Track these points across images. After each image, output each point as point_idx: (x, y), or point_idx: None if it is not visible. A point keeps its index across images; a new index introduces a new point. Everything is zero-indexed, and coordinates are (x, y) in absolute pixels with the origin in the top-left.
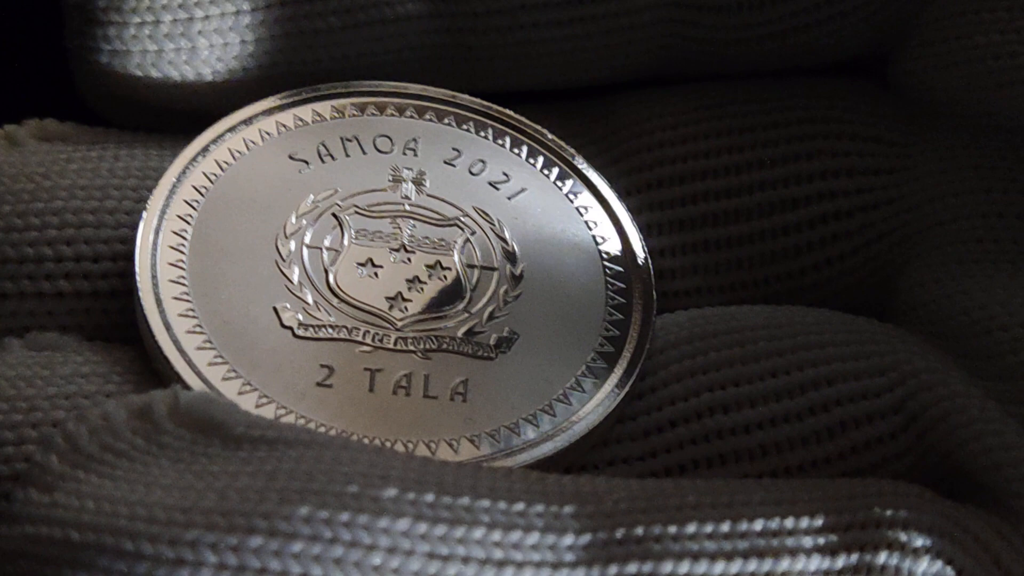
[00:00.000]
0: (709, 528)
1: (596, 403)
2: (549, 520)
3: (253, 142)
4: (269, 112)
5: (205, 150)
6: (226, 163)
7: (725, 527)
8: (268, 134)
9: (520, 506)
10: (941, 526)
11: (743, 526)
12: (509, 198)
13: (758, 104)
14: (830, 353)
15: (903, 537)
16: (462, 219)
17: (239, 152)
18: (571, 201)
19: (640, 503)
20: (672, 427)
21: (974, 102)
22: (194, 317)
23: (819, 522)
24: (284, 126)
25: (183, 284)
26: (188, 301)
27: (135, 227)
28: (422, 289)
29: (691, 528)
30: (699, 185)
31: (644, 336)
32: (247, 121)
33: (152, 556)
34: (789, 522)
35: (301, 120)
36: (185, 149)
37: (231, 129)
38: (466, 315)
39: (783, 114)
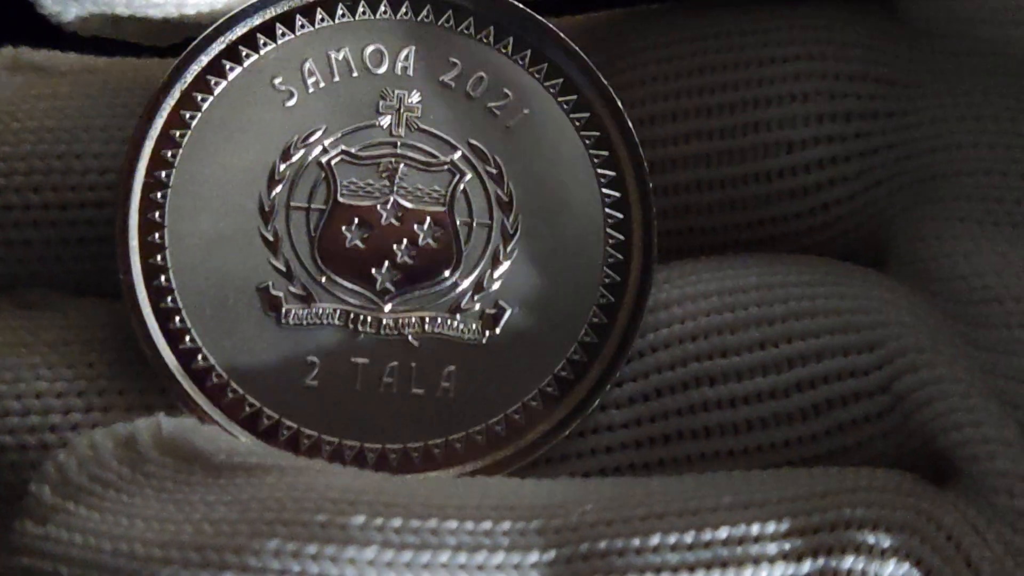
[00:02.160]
0: (673, 539)
1: (578, 397)
2: (515, 538)
3: (232, 67)
4: (248, 20)
5: (179, 83)
6: (203, 99)
7: (689, 537)
8: (248, 55)
9: (487, 525)
10: (913, 524)
11: (707, 535)
12: (508, 127)
13: (755, 36)
14: (820, 324)
15: (871, 539)
16: (456, 160)
17: (217, 83)
18: (576, 127)
19: (607, 514)
20: (658, 396)
21: (985, 38)
22: (176, 308)
23: (785, 526)
24: (265, 41)
25: (163, 266)
26: (169, 288)
27: (104, 172)
28: (412, 255)
29: (655, 540)
30: (692, 124)
31: (637, 315)
32: (224, 37)
33: None
34: (755, 528)
35: (284, 31)
36: (158, 88)
37: (205, 50)
38: (455, 285)
39: (779, 49)
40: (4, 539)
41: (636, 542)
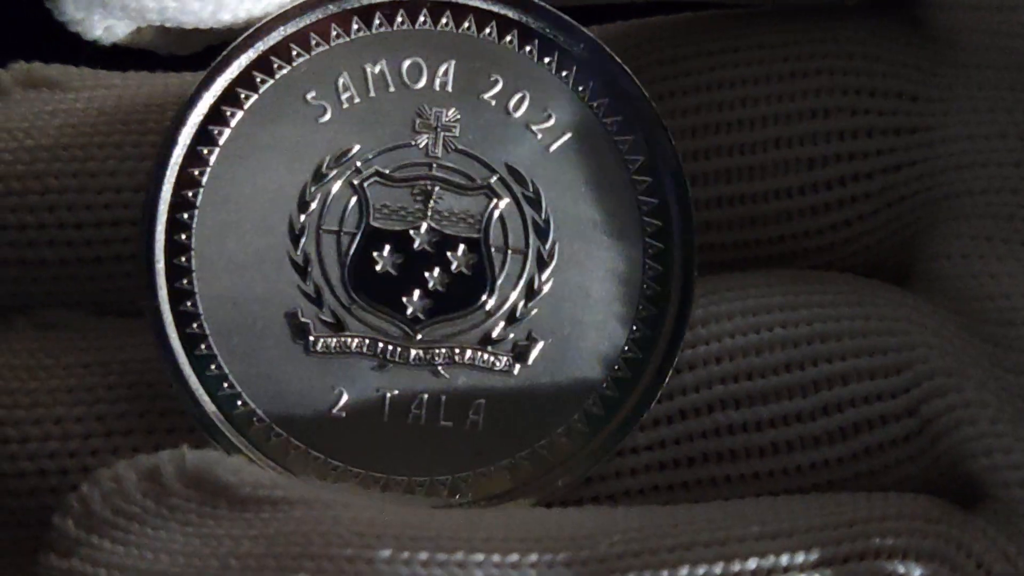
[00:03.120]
0: (702, 571)
1: (607, 432)
2: (542, 571)
3: (263, 80)
4: (281, 30)
5: (208, 95)
6: (232, 114)
7: (718, 569)
8: (280, 67)
9: (514, 557)
10: (942, 552)
11: (735, 567)
12: (548, 147)
13: (776, 51)
14: (846, 347)
15: (900, 569)
16: (493, 184)
17: (247, 96)
18: (619, 150)
19: (634, 545)
20: (683, 418)
21: (1010, 52)
22: (203, 334)
23: (814, 556)
24: (299, 52)
25: (190, 290)
26: (195, 313)
27: (119, 190)
28: (444, 282)
29: (683, 572)
30: (712, 139)
31: (673, 352)
32: (254, 47)
33: None
34: (784, 559)
35: (318, 42)
36: (186, 100)
37: (235, 60)
38: (487, 315)
39: (802, 63)
40: (28, 572)
41: (665, 574)
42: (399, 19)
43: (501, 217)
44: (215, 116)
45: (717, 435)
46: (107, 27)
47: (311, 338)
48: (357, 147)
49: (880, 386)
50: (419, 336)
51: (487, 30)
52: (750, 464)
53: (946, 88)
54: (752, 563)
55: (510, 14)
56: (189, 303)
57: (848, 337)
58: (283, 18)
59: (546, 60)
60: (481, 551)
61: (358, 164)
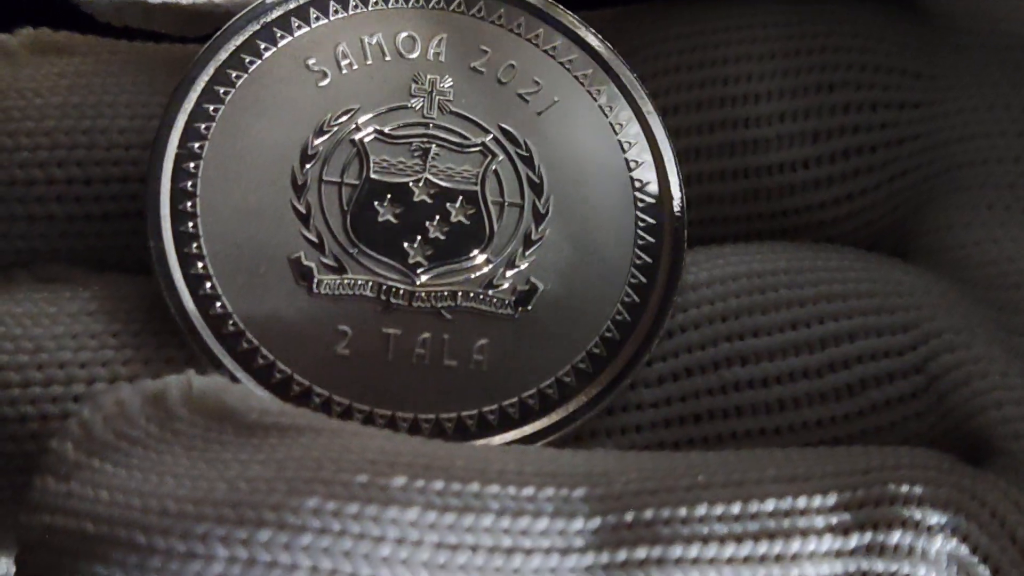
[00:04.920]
0: (719, 510)
1: (611, 373)
2: (559, 505)
3: (266, 47)
4: (283, 5)
5: (213, 61)
6: (237, 76)
7: (736, 508)
8: (282, 36)
9: (529, 491)
10: (957, 501)
11: (754, 507)
12: (539, 113)
13: (781, 28)
14: (852, 305)
15: (917, 515)
16: (488, 143)
17: (252, 61)
18: (605, 115)
19: (650, 483)
20: (688, 376)
21: (1009, 31)
22: (206, 275)
23: (831, 500)
24: (299, 24)
25: (194, 233)
26: (200, 255)
27: (129, 147)
28: (444, 232)
29: (701, 510)
30: (717, 113)
31: (670, 295)
32: (258, 19)
33: (164, 550)
34: (801, 501)
35: (318, 16)
36: (193, 63)
37: (240, 31)
38: (487, 262)
39: (805, 42)
40: (24, 498)
41: (682, 512)
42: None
43: (496, 173)
44: (221, 78)
45: (724, 392)
46: (116, 8)
47: (315, 280)
48: (357, 107)
49: (888, 343)
50: (420, 280)
51: (475, 8)
52: (757, 420)
53: (948, 66)
54: (770, 504)
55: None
56: (194, 245)
57: (855, 297)
58: (284, 2)
59: (532, 35)
60: (496, 483)
61: (358, 122)
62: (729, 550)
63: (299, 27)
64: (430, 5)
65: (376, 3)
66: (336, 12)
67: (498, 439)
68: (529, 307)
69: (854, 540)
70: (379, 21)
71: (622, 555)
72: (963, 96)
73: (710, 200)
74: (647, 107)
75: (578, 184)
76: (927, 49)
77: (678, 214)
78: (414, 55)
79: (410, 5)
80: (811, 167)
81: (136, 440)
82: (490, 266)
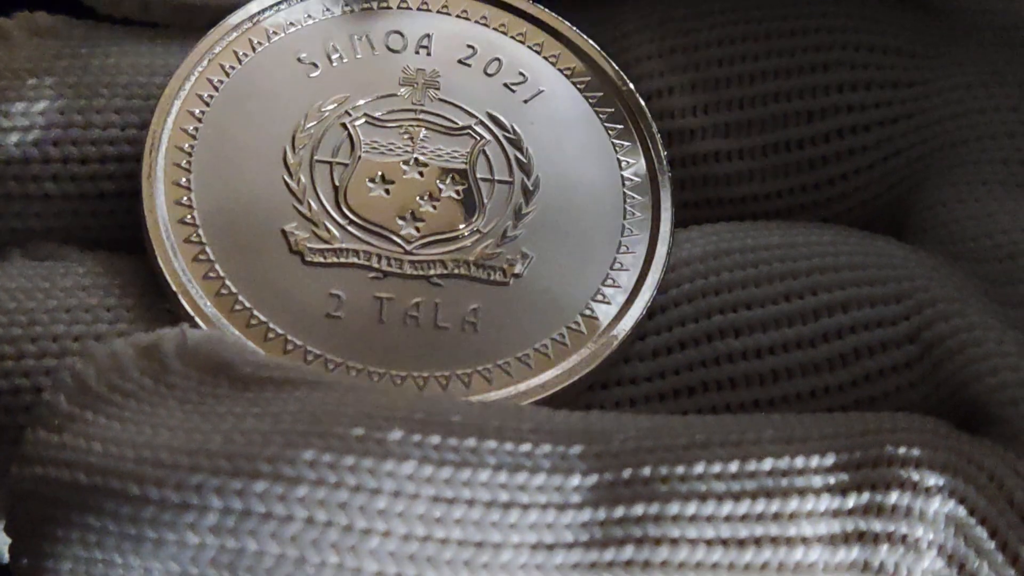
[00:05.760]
0: (717, 468)
1: (605, 333)
2: (555, 461)
3: (260, 42)
4: (276, 7)
5: (209, 52)
6: (231, 67)
7: (733, 467)
8: (275, 33)
9: (526, 447)
10: (955, 464)
11: (751, 466)
12: (525, 101)
13: (773, 10)
14: (845, 277)
15: (915, 476)
16: (475, 127)
17: (245, 54)
18: (589, 103)
19: (648, 442)
20: (682, 348)
21: (1001, 8)
22: (200, 243)
23: (829, 461)
24: (292, 23)
25: (188, 205)
26: (194, 224)
27: (125, 127)
28: (435, 206)
29: (699, 468)
30: (711, 94)
31: (659, 257)
32: (252, 18)
33: (158, 500)
34: (799, 461)
35: (310, 16)
36: (188, 54)
37: (235, 28)
38: (479, 234)
39: (799, 22)
40: (15, 453)
41: (680, 469)
42: (381, 2)
43: (485, 153)
44: (215, 68)
45: (717, 364)
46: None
47: (307, 249)
48: (347, 95)
49: (881, 313)
50: (412, 249)
51: (460, 10)
52: (751, 392)
53: (941, 45)
54: (767, 463)
55: (480, 1)
56: (188, 216)
57: (848, 269)
58: (273, 3)
59: (517, 34)
60: (493, 438)
61: (348, 109)
62: (726, 508)
63: (291, 24)
64: (416, 7)
65: (366, 4)
66: (326, 12)
67: (493, 395)
68: (522, 276)
69: (852, 500)
70: (368, 20)
71: (619, 511)
72: (957, 73)
73: (706, 182)
74: (634, 97)
75: (566, 165)
76: (921, 28)
77: (666, 186)
78: (403, 50)
79: (397, 6)
80: (806, 147)
81: (130, 393)
82: (481, 238)
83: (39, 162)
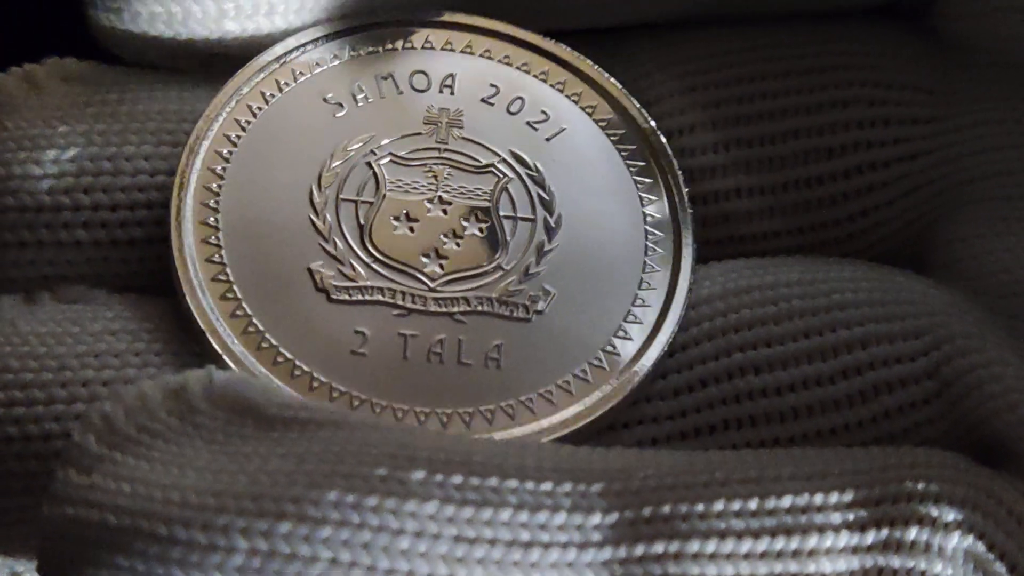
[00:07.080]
0: (737, 506)
1: (627, 369)
2: (576, 499)
3: (286, 83)
4: (302, 48)
5: (237, 93)
6: (258, 108)
7: (753, 504)
8: (302, 74)
9: (548, 486)
10: (974, 499)
11: (771, 503)
12: (547, 139)
13: (792, 49)
14: (864, 313)
15: (934, 512)
16: (498, 165)
17: (272, 95)
18: (611, 140)
19: (667, 479)
20: (703, 387)
21: (1018, 52)
22: (227, 281)
23: (848, 497)
24: (318, 64)
25: (216, 244)
26: (222, 263)
27: (154, 173)
28: (458, 243)
29: (719, 506)
30: (731, 132)
31: (680, 294)
32: (279, 59)
33: (185, 541)
34: (818, 498)
35: (335, 56)
36: (216, 95)
37: (262, 69)
38: (502, 271)
39: (818, 59)
40: (47, 492)
41: (700, 507)
42: (405, 43)
43: (508, 191)
44: (242, 110)
45: (737, 401)
46: (142, 50)
47: (333, 287)
48: (371, 135)
49: (899, 349)
50: (436, 287)
51: (483, 50)
52: (771, 429)
53: (959, 82)
54: (787, 500)
55: (502, 38)
56: (216, 256)
57: (867, 305)
58: (304, 39)
59: (539, 73)
60: (514, 478)
61: (373, 148)
62: (746, 545)
63: (317, 65)
64: (440, 47)
65: (389, 46)
66: (352, 52)
67: (517, 431)
68: (544, 312)
69: (871, 536)
70: (392, 61)
71: (639, 549)
72: (974, 111)
73: (727, 219)
74: (655, 135)
75: (588, 202)
76: (938, 66)
77: (687, 224)
78: (427, 90)
79: (421, 47)
80: (826, 183)
81: (157, 433)
82: (504, 275)
83: (70, 209)
